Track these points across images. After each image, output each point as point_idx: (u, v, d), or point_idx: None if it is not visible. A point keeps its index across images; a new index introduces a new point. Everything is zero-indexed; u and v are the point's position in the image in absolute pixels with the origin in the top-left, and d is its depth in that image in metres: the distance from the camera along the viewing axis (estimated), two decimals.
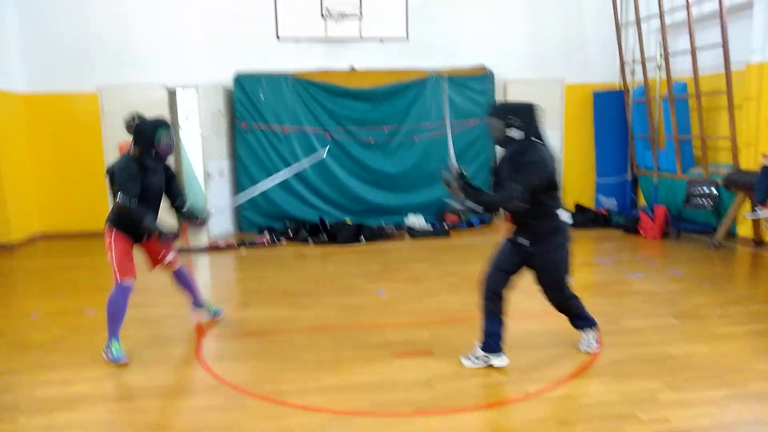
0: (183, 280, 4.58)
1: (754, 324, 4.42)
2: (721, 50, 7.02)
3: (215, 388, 3.54)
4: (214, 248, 7.72)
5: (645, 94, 8.53)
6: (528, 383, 3.50)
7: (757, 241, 6.93)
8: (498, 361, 3.73)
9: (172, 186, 4.23)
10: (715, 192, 7.31)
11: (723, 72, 7.04)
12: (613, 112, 9.26)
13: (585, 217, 8.75)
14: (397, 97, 8.94)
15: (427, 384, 3.54)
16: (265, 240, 8.07)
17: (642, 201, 9.10)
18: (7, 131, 8.03)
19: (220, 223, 8.58)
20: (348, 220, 8.61)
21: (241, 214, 8.95)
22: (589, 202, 9.54)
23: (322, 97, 8.84)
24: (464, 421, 3.09)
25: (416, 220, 8.78)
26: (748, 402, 3.22)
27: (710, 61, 7.47)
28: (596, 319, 4.29)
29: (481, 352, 3.76)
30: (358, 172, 9.04)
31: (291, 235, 8.31)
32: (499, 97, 9.26)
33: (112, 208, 3.99)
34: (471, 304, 5.13)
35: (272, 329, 4.59)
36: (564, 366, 3.74)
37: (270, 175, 8.73)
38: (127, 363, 3.88)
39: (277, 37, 8.36)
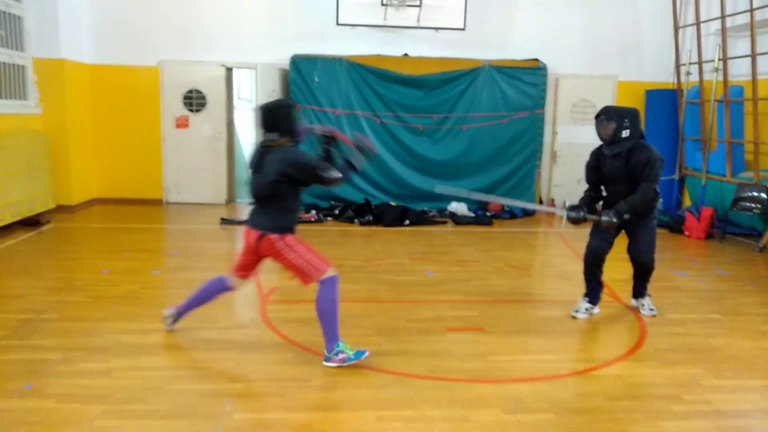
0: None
1: None
2: None
3: (283, 346, 3.83)
4: None
5: (699, 95, 8.51)
6: (576, 363, 3.70)
7: None
8: (596, 309, 4.59)
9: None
10: (764, 196, 7.31)
11: None
12: (664, 112, 9.25)
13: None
14: (449, 86, 9.10)
15: (480, 356, 3.76)
16: (312, 217, 8.35)
17: (687, 201, 9.10)
18: (74, 99, 8.45)
19: None
20: (392, 203, 8.84)
21: None
22: None
23: (374, 81, 9.06)
24: (517, 390, 3.30)
25: (459, 207, 8.96)
26: None
27: None
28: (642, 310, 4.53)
29: (586, 304, 4.55)
30: (405, 157, 9.25)
31: (337, 214, 8.58)
32: (551, 91, 9.34)
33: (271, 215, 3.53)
34: (518, 288, 5.34)
35: None
36: (611, 350, 3.92)
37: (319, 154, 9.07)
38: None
39: (337, 22, 8.58)
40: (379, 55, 9.09)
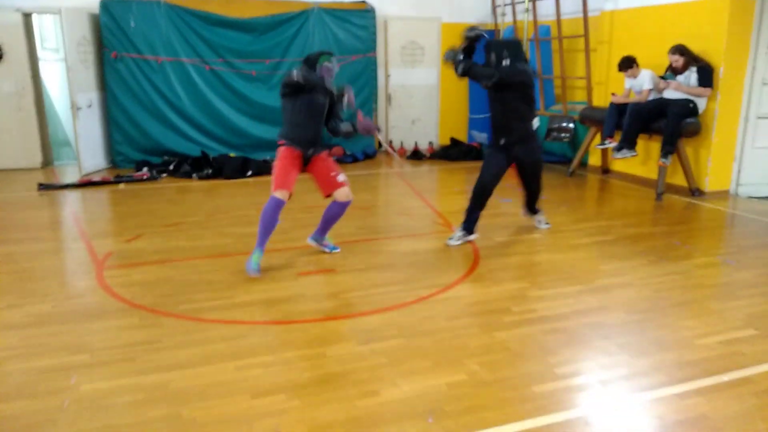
0: (336, 211, 4.50)
1: (600, 236, 5.23)
2: None
3: (127, 311, 3.65)
4: (87, 184, 7.38)
5: (513, 34, 9.17)
6: (420, 290, 3.98)
7: (605, 170, 7.96)
8: (472, 236, 4.99)
9: (334, 109, 4.51)
10: (572, 126, 8.23)
11: (582, 17, 7.80)
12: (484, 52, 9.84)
13: (459, 150, 9.41)
14: (279, 29, 8.87)
15: (332, 295, 3.91)
16: (144, 175, 7.84)
17: None
18: None
19: (91, 159, 8.19)
20: (232, 154, 8.57)
21: (114, 149, 8.58)
22: (462, 137, 10.22)
23: (199, 25, 8.55)
24: (368, 322, 3.50)
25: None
26: (596, 294, 3.94)
27: (571, 7, 8.21)
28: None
29: (461, 233, 4.94)
30: (240, 105, 8.94)
31: (172, 169, 8.14)
32: (380, 34, 9.48)
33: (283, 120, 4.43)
34: (365, 228, 5.54)
35: (171, 258, 4.68)
36: (449, 275, 4.26)
37: (144, 106, 8.47)
38: (258, 278, 4.14)
39: None
40: None
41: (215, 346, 3.19)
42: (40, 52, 8.89)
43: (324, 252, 4.73)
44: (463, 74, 4.85)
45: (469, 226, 4.99)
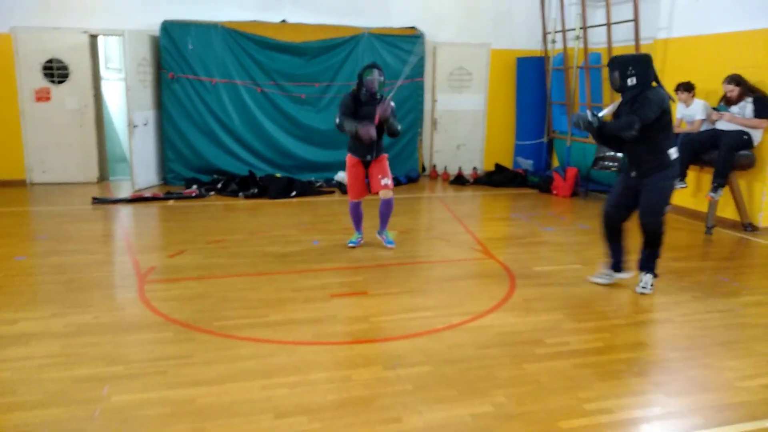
0: (383, 209, 5.46)
1: None
2: (632, 25, 7.63)
3: (163, 325, 3.75)
4: (139, 199, 7.67)
5: (563, 62, 9.11)
6: (451, 317, 3.94)
7: None
8: (623, 275, 4.57)
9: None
10: (620, 155, 8.04)
11: (633, 45, 7.67)
12: (534, 78, 9.81)
13: (503, 177, 9.33)
14: (330, 54, 9.06)
15: (362, 318, 3.91)
16: (193, 192, 8.09)
17: (556, 162, 9.79)
18: None
19: (144, 175, 8.52)
20: (278, 174, 8.75)
21: (166, 167, 8.89)
22: (508, 163, 10.14)
23: (253, 49, 8.83)
24: (396, 347, 3.48)
25: (345, 176, 9.01)
26: (634, 329, 3.81)
27: (623, 35, 8.09)
28: (512, 265, 4.98)
29: (608, 270, 4.60)
30: (289, 127, 9.15)
31: (220, 188, 8.38)
32: (429, 59, 9.57)
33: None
34: (401, 252, 5.54)
35: (211, 274, 4.79)
36: (482, 304, 4.21)
37: (197, 126, 8.77)
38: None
39: None
40: (256, 21, 8.85)
41: (244, 364, 3.24)
42: (103, 72, 9.37)
43: (358, 276, 4.74)
44: (601, 137, 4.33)
45: (609, 261, 4.57)
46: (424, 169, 10.03)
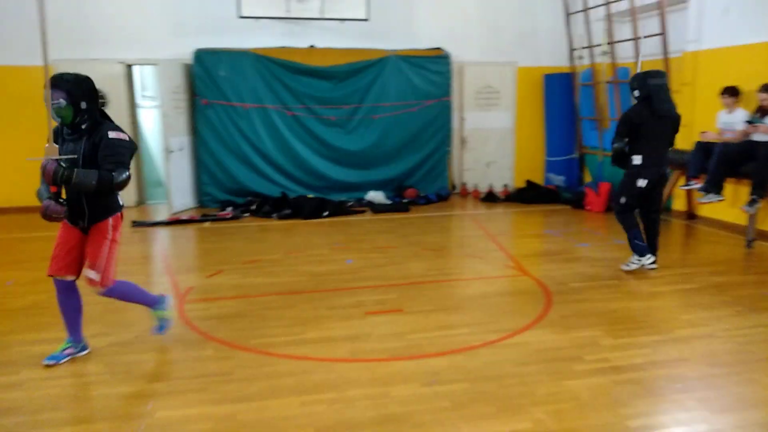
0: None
1: (682, 284, 4.98)
2: (660, 39, 7.59)
3: (203, 343, 3.82)
4: (176, 222, 7.85)
5: (592, 77, 9.08)
6: (488, 334, 3.92)
7: (691, 215, 7.60)
8: (646, 260, 5.20)
9: None
10: None
11: (662, 59, 7.62)
12: (561, 94, 9.80)
13: (535, 193, 9.29)
14: (357, 76, 9.20)
15: (399, 335, 3.92)
16: (228, 214, 8.24)
17: (588, 178, 9.70)
18: None
19: (180, 198, 8.71)
20: (310, 195, 8.86)
21: (201, 190, 9.08)
22: (539, 179, 10.09)
23: (282, 74, 9.02)
24: (433, 364, 3.48)
25: (377, 196, 9.11)
26: (675, 344, 3.74)
27: (651, 49, 8.03)
28: (548, 281, 4.95)
29: (634, 257, 5.21)
30: (319, 148, 9.29)
31: (254, 209, 8.52)
32: (456, 78, 9.65)
33: None
34: (435, 269, 5.55)
35: (248, 293, 4.87)
36: (518, 320, 4.18)
37: (230, 150, 8.96)
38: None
39: (239, 14, 8.46)
40: (284, 47, 9.05)
41: (283, 381, 3.28)
42: (139, 100, 9.66)
43: (392, 294, 4.78)
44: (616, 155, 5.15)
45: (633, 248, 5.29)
46: (454, 187, 10.04)
